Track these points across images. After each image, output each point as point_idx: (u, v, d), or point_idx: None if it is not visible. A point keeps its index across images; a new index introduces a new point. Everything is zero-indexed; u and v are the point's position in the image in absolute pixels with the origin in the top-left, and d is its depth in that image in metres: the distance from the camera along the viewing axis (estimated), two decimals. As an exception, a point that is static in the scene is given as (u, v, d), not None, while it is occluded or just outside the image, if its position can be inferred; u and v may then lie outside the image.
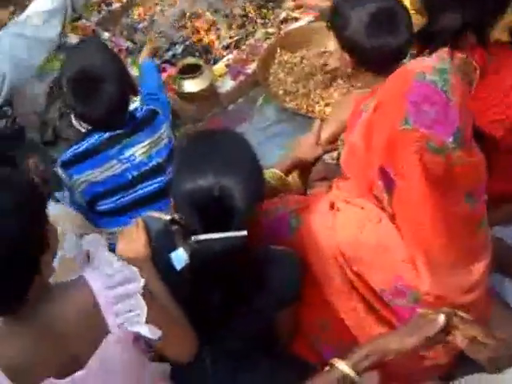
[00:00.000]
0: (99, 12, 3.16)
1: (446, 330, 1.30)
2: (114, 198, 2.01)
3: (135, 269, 1.28)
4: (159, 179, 2.01)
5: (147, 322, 1.27)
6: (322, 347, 1.60)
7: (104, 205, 2.02)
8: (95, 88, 1.85)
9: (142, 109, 2.07)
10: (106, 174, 1.97)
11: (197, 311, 1.43)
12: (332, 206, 1.54)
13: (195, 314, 1.44)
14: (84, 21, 3.08)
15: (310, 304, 1.57)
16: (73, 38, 3.01)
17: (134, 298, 1.26)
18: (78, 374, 1.27)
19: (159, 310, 1.33)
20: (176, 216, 1.42)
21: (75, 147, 1.98)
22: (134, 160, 1.98)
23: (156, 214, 1.56)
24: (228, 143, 1.46)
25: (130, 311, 1.26)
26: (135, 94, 2.08)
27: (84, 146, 1.96)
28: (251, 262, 1.42)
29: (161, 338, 1.29)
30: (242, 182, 1.35)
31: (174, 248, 1.41)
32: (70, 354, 1.26)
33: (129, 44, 3.00)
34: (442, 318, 1.28)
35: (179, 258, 1.38)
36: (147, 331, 1.27)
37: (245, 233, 1.34)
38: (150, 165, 2.01)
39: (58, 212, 1.74)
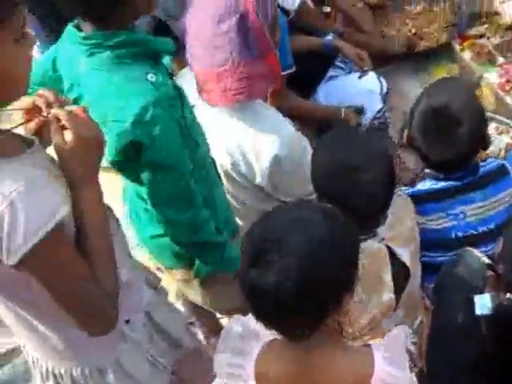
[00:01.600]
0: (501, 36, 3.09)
1: None
2: (430, 253, 1.78)
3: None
4: (484, 249, 1.70)
5: None
6: None
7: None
8: (447, 129, 1.68)
9: (492, 161, 1.85)
10: (430, 225, 1.78)
11: (476, 361, 1.40)
12: None
13: (474, 362, 1.42)
14: (483, 40, 3.06)
15: None
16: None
17: None
18: None
19: None
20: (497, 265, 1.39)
21: (404, 189, 1.83)
22: (462, 219, 1.77)
23: (478, 254, 1.55)
24: None
25: None
26: (485, 146, 1.82)
27: (415, 189, 1.81)
28: None
29: None
30: None
31: (482, 291, 1.40)
32: None
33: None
34: None
35: (483, 303, 1.37)
36: None
37: None
38: (480, 230, 1.77)
39: None
